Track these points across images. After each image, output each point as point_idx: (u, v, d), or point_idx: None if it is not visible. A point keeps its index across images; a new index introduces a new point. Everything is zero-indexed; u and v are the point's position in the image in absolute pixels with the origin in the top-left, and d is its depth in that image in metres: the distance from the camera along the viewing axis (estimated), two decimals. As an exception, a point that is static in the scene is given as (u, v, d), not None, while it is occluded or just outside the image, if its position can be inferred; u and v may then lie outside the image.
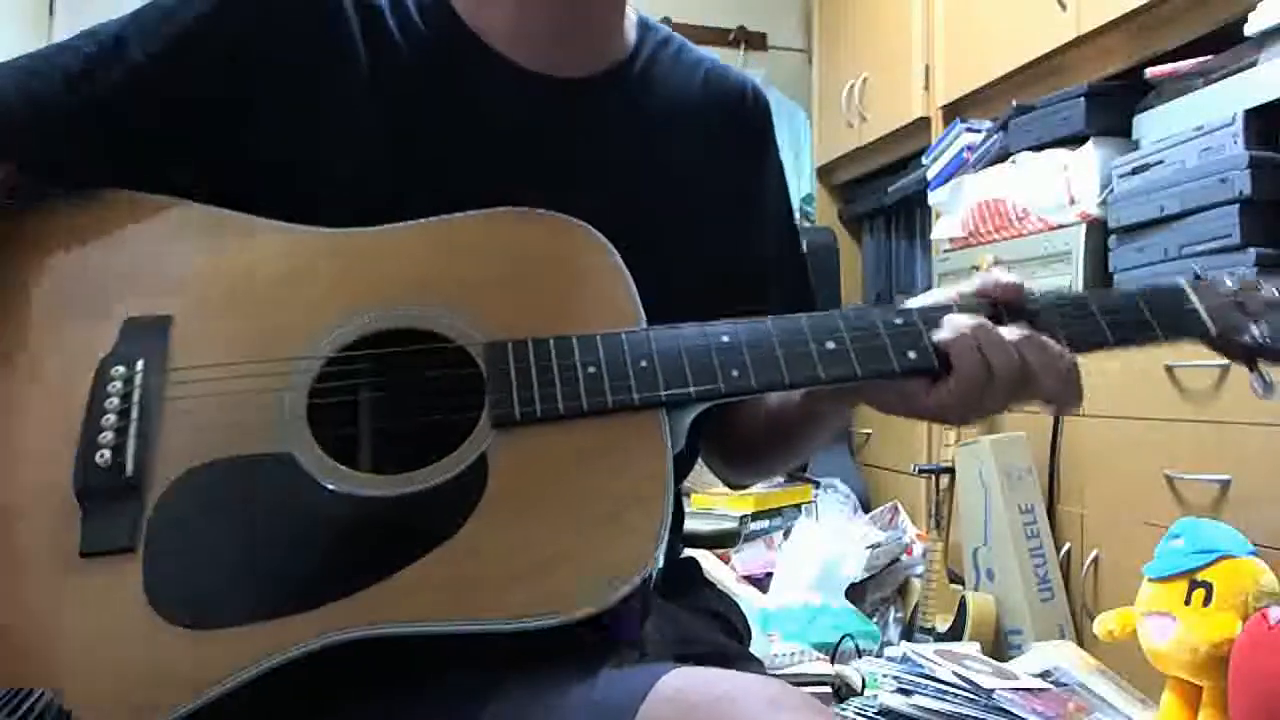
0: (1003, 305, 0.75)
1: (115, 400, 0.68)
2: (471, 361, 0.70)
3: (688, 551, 0.95)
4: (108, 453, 0.66)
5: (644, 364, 0.70)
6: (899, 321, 0.73)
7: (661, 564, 0.72)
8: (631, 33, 0.90)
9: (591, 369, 0.69)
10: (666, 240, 0.78)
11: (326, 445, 0.68)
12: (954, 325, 0.72)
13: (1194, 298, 0.77)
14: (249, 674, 0.60)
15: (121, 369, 0.69)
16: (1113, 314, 0.76)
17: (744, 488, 2.53)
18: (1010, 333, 0.72)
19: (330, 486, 0.66)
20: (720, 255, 0.89)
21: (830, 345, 0.72)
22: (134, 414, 0.68)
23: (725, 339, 0.72)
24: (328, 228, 0.76)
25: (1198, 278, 0.78)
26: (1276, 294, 0.78)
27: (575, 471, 0.67)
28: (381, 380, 0.73)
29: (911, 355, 0.72)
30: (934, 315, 0.73)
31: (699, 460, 0.96)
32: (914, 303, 0.76)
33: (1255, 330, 0.76)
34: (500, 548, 0.64)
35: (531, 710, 0.63)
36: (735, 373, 0.71)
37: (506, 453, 0.67)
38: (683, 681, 0.60)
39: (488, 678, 0.65)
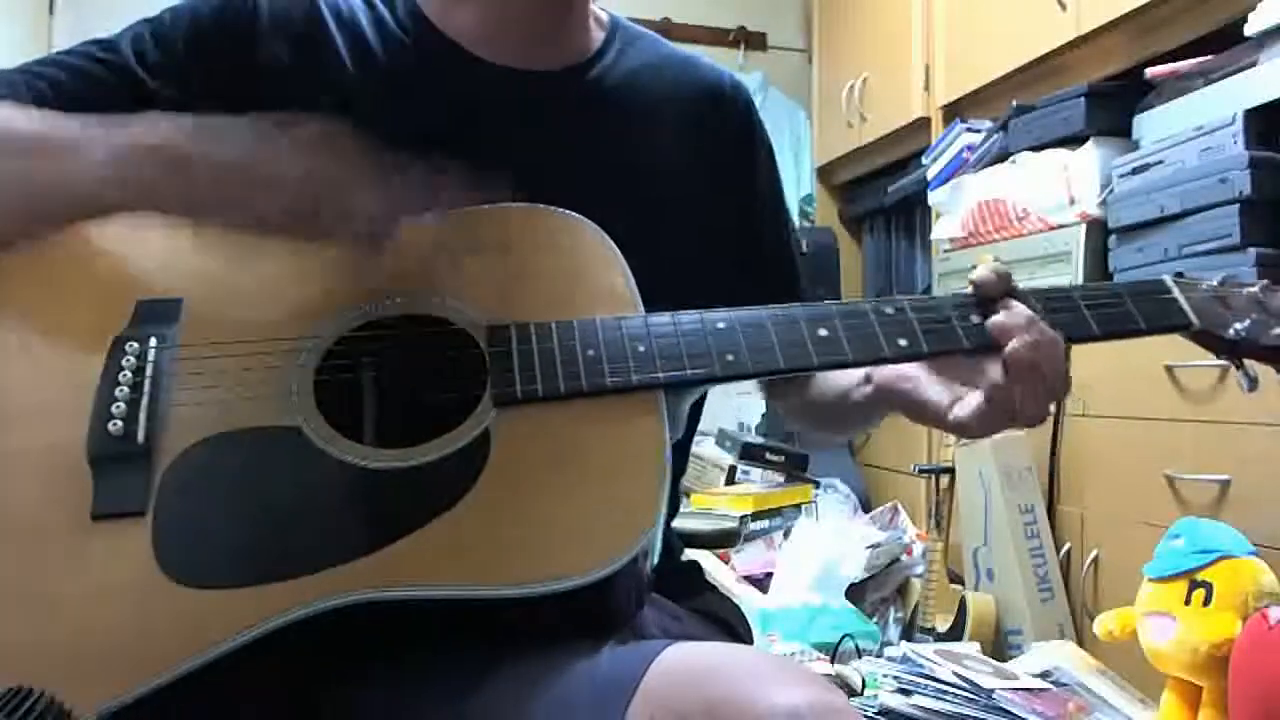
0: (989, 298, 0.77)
1: (128, 374, 0.70)
2: (474, 344, 0.72)
3: (689, 554, 0.96)
4: (120, 422, 0.68)
5: (641, 348, 0.72)
6: (890, 311, 0.76)
7: (660, 548, 0.73)
8: (599, 30, 0.92)
9: (591, 352, 0.71)
10: (637, 228, 0.79)
11: (332, 421, 0.70)
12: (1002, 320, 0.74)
13: (1176, 291, 0.80)
14: (253, 633, 0.61)
15: (135, 345, 0.72)
16: (1097, 307, 0.78)
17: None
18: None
19: (338, 457, 0.68)
20: (699, 245, 0.90)
21: (823, 332, 0.75)
22: (146, 386, 0.70)
23: (721, 325, 0.74)
24: None
25: (1180, 275, 0.81)
26: (1258, 290, 0.80)
27: (575, 446, 0.69)
28: (386, 361, 0.75)
29: (902, 343, 0.75)
30: (925, 307, 0.76)
31: (690, 458, 0.97)
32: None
33: (1237, 325, 0.79)
34: (502, 516, 0.66)
35: (535, 685, 0.64)
36: (730, 357, 0.73)
37: (508, 429, 0.69)
38: (683, 653, 0.62)
39: (490, 654, 0.67)
